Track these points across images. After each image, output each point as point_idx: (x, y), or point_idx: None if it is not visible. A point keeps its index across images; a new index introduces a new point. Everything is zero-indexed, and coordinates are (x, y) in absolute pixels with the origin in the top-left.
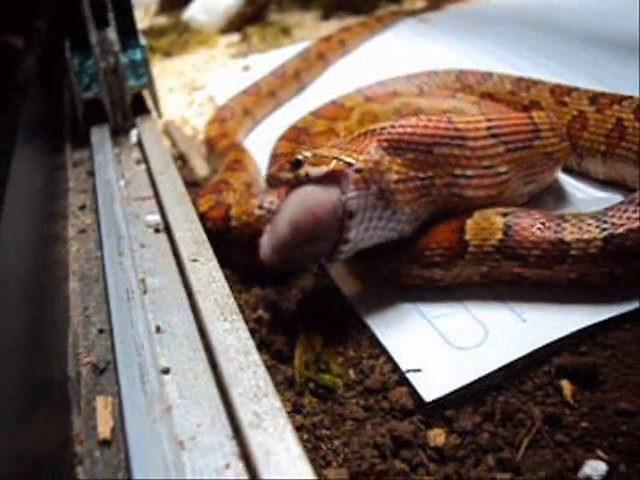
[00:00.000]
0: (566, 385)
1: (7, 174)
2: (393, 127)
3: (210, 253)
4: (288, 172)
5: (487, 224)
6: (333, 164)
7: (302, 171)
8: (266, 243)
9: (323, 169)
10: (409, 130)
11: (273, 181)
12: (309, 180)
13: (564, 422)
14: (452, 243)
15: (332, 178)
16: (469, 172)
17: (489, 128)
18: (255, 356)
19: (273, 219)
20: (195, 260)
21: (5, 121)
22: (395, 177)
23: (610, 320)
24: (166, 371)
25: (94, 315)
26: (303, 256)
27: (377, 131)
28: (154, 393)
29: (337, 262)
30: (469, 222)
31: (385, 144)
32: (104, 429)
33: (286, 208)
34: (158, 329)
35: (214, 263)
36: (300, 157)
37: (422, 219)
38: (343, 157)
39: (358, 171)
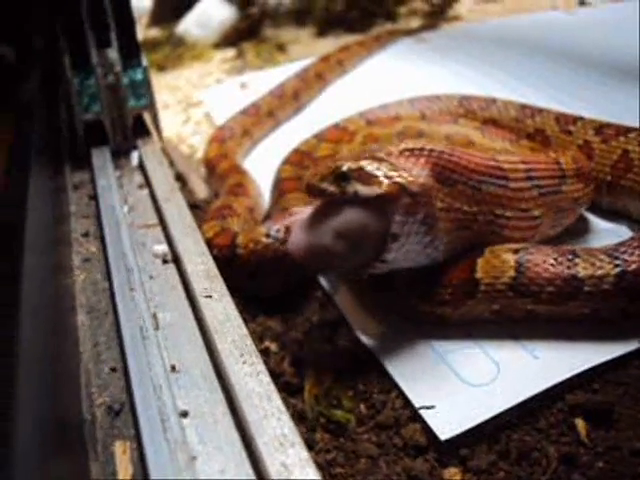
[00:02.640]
0: (580, 424)
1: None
2: (444, 153)
3: (224, 289)
4: (332, 185)
5: (498, 262)
6: (385, 185)
7: (350, 188)
8: (300, 240)
9: (375, 190)
10: (461, 162)
11: (315, 191)
12: (357, 199)
13: (579, 462)
14: (463, 282)
15: (383, 199)
16: (508, 213)
17: (526, 170)
18: (278, 401)
19: (312, 219)
20: (209, 296)
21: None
22: (440, 205)
23: (622, 357)
24: (184, 414)
25: (105, 352)
26: (333, 263)
27: (426, 152)
28: (177, 440)
29: (361, 276)
30: (480, 261)
31: (436, 169)
32: (124, 475)
33: (334, 218)
34: (173, 368)
35: (228, 299)
36: (345, 170)
37: (457, 250)
38: (394, 177)
39: (410, 195)
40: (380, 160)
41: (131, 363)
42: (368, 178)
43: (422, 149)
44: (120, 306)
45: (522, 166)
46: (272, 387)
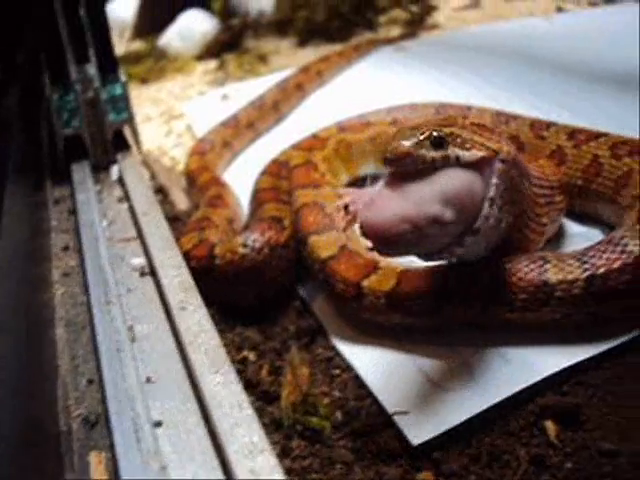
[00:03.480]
0: (550, 425)
1: None
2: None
3: (198, 300)
4: (430, 150)
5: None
6: (485, 149)
7: (451, 152)
8: (393, 212)
9: (476, 154)
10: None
11: (409, 160)
12: (459, 163)
13: (549, 463)
14: (437, 289)
15: (481, 164)
16: (532, 215)
17: (538, 178)
18: (249, 410)
19: (401, 190)
20: (183, 308)
21: None
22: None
23: (591, 359)
24: (158, 424)
25: (82, 364)
26: (433, 236)
27: (501, 131)
28: (150, 450)
29: (447, 258)
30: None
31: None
32: None
33: (438, 184)
34: (148, 380)
35: (203, 311)
36: (443, 135)
37: (491, 246)
38: (487, 143)
39: (502, 161)
40: (465, 127)
41: (106, 375)
42: (463, 143)
43: (493, 130)
44: (97, 319)
45: (535, 173)
46: (243, 396)
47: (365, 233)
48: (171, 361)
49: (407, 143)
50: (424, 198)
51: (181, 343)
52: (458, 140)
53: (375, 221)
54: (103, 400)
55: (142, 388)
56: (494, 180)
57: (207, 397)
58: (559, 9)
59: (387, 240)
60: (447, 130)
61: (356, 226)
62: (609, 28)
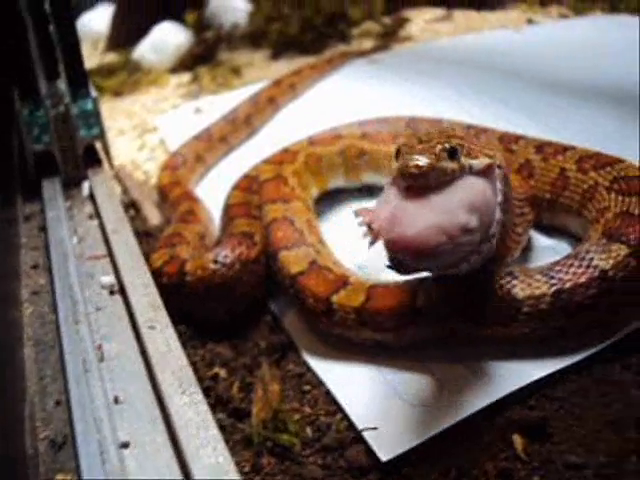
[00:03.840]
0: (517, 439)
1: None
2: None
3: (166, 320)
4: (448, 162)
5: None
6: (489, 157)
7: (465, 162)
8: (420, 226)
9: (483, 161)
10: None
11: (432, 174)
12: (471, 172)
13: (516, 477)
14: (407, 305)
15: (487, 172)
16: (510, 224)
17: (513, 188)
18: (214, 431)
19: (423, 202)
20: (152, 327)
21: None
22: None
23: (558, 372)
24: (126, 445)
25: (51, 385)
26: (462, 246)
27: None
28: (115, 472)
29: (460, 271)
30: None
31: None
32: None
33: (459, 194)
34: (116, 400)
35: (171, 331)
36: (455, 146)
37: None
38: (485, 151)
39: (500, 167)
40: (463, 138)
41: (74, 396)
42: (470, 152)
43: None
44: (65, 339)
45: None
46: (209, 416)
47: (394, 249)
48: (139, 381)
49: (425, 158)
50: (451, 208)
51: (149, 363)
52: (465, 150)
53: (409, 235)
54: (70, 422)
55: (110, 409)
56: (499, 186)
57: (174, 418)
58: (530, 21)
59: (423, 253)
60: (456, 141)
61: (379, 243)
62: (578, 40)
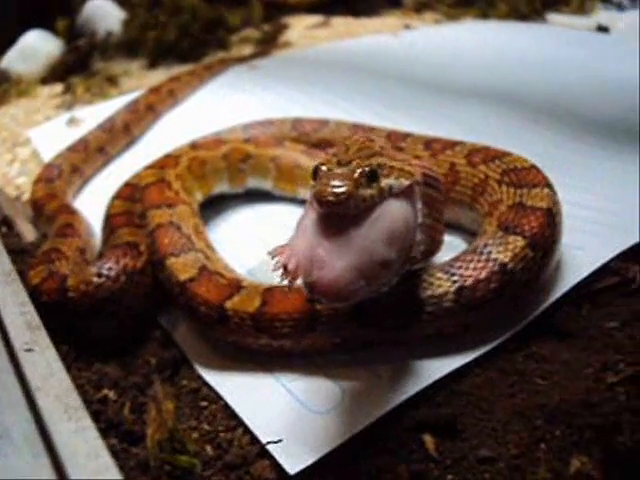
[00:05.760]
0: (428, 439)
1: None
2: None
3: (46, 341)
4: (367, 188)
5: None
6: (409, 175)
7: (384, 184)
8: (343, 268)
9: (404, 182)
10: (427, 166)
11: (352, 204)
12: (391, 194)
13: (430, 477)
14: (303, 314)
15: (407, 192)
16: (438, 218)
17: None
18: (106, 458)
19: (340, 237)
20: (30, 350)
21: None
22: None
23: (463, 368)
24: None
25: None
26: (385, 276)
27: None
28: None
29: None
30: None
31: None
32: None
33: (377, 223)
34: None
35: (52, 352)
36: (375, 168)
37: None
38: (406, 168)
39: (417, 184)
40: (382, 154)
41: None
42: (390, 172)
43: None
44: None
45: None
46: (99, 442)
47: (312, 292)
48: (18, 410)
49: (343, 185)
50: (369, 244)
51: (28, 389)
52: (385, 171)
53: (327, 281)
54: None
55: None
56: (419, 205)
57: (59, 448)
58: (407, 27)
59: (341, 296)
60: (375, 161)
61: (298, 281)
62: (451, 43)
